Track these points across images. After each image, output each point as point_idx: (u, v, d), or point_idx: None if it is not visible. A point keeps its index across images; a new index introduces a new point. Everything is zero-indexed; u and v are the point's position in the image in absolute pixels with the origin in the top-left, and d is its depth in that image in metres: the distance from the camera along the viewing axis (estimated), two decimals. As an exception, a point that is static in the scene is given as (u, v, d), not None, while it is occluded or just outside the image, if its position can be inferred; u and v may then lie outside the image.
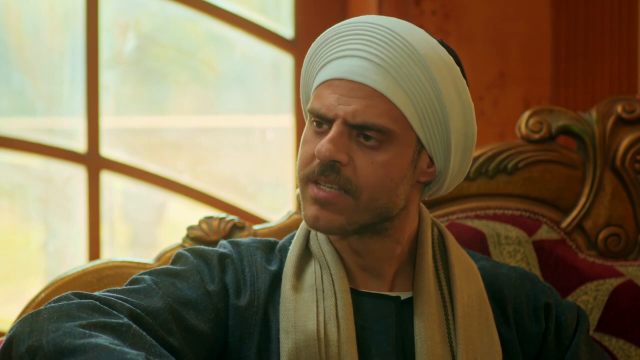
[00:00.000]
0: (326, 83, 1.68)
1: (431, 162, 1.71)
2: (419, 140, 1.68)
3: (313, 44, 1.72)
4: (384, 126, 1.64)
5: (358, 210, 1.67)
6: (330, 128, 1.66)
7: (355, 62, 1.65)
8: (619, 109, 2.13)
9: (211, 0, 3.44)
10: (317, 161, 1.66)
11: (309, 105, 1.70)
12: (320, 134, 1.67)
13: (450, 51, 1.70)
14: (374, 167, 1.65)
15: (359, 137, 1.65)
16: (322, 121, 1.67)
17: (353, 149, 1.65)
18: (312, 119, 1.68)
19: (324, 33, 1.71)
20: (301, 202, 1.70)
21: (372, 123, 1.64)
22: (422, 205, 1.78)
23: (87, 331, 1.52)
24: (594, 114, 2.13)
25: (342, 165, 1.65)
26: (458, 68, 1.68)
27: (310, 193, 1.67)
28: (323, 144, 1.64)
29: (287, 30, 3.49)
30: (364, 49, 1.65)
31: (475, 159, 2.11)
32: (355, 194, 1.65)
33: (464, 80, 1.69)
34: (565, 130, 2.13)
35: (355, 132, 1.65)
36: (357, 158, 1.65)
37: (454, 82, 1.67)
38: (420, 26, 1.71)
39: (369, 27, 1.66)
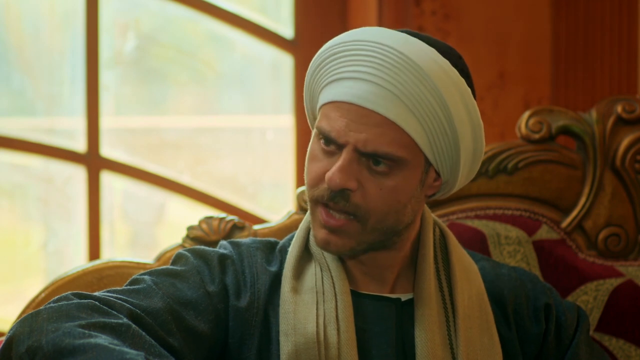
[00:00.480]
0: (335, 104, 1.66)
1: (437, 175, 1.71)
2: (427, 160, 1.67)
3: (317, 55, 1.69)
4: (395, 155, 1.63)
5: (365, 233, 1.67)
6: (338, 148, 1.65)
7: (366, 87, 1.63)
8: (619, 109, 2.13)
9: (211, 0, 3.44)
10: (326, 185, 1.65)
11: (317, 123, 1.68)
12: (328, 153, 1.66)
13: (459, 60, 1.68)
14: (383, 192, 1.65)
15: (369, 162, 1.64)
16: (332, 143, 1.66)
17: (362, 173, 1.65)
18: (321, 136, 1.68)
19: (329, 45, 1.68)
20: (310, 221, 1.71)
21: (382, 152, 1.63)
22: (425, 205, 1.78)
23: (86, 331, 1.51)
24: (594, 114, 2.13)
25: (351, 191, 1.64)
26: (469, 90, 1.66)
27: (320, 218, 1.67)
28: (334, 172, 1.63)
29: (287, 30, 3.49)
30: (373, 72, 1.62)
31: (475, 159, 2.10)
32: (363, 219, 1.66)
33: (474, 102, 1.67)
34: (565, 130, 2.12)
35: (364, 158, 1.65)
36: (367, 183, 1.65)
37: (465, 105, 1.65)
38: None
39: (378, 49, 1.63)
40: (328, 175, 1.64)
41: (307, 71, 1.72)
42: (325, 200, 1.65)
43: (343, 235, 1.67)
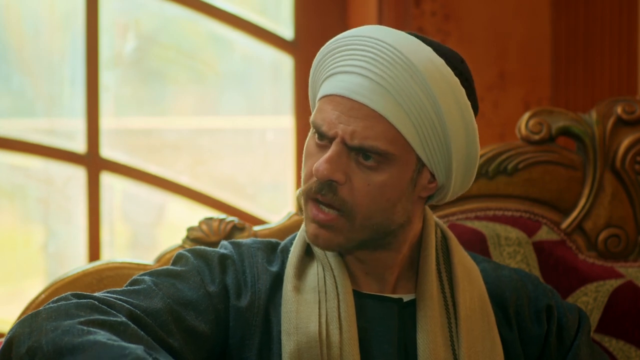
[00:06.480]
0: (328, 97, 1.67)
1: (432, 177, 1.70)
2: (419, 159, 1.67)
3: (319, 52, 1.71)
4: (381, 149, 1.63)
5: (354, 230, 1.67)
6: (330, 142, 1.66)
7: (357, 79, 1.64)
8: (619, 110, 2.13)
9: (211, 1, 3.44)
10: (315, 178, 1.66)
11: (312, 117, 1.69)
12: (322, 147, 1.67)
13: (460, 64, 1.68)
14: (370, 188, 1.65)
15: (358, 156, 1.65)
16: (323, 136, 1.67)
17: (351, 167, 1.65)
18: (315, 130, 1.68)
19: (329, 42, 1.70)
20: (303, 217, 1.71)
21: (369, 145, 1.63)
22: (426, 207, 1.78)
23: (85, 328, 1.52)
24: (594, 115, 2.13)
25: (339, 184, 1.65)
26: (463, 90, 1.66)
27: (309, 213, 1.67)
28: (321, 163, 1.64)
29: (287, 31, 3.49)
30: (365, 66, 1.64)
31: (475, 160, 2.10)
32: (350, 216, 1.65)
33: (468, 102, 1.66)
34: (565, 131, 2.12)
35: (354, 152, 1.65)
36: (355, 177, 1.65)
37: (457, 104, 1.65)
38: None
39: (373, 44, 1.65)
40: (315, 166, 1.64)
41: (310, 70, 1.74)
42: (313, 193, 1.66)
43: (331, 231, 1.67)
